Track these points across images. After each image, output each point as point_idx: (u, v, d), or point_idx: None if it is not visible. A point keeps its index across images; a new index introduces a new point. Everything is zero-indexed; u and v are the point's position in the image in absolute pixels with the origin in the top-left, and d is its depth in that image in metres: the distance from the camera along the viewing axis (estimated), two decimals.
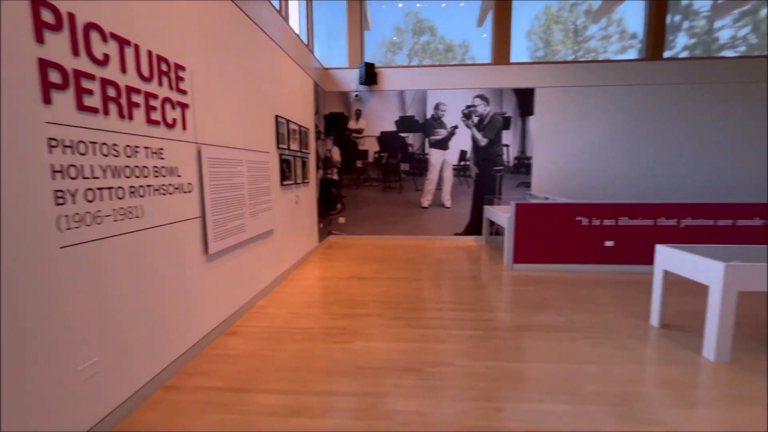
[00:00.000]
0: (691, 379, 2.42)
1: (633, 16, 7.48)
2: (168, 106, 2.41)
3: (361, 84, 6.79)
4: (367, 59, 7.10)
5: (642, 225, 4.86)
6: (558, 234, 4.97)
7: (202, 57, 2.82)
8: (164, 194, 2.36)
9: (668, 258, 3.09)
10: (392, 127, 7.01)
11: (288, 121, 4.75)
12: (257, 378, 2.43)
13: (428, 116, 6.94)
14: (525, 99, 6.78)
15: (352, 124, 7.06)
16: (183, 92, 2.58)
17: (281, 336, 3.05)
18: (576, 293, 4.11)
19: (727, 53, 7.30)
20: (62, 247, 1.68)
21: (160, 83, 2.34)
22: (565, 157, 6.85)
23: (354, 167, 7.15)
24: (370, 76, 6.68)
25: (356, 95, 6.94)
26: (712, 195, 6.67)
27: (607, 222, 4.88)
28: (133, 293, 2.12)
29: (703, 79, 6.50)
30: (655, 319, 3.24)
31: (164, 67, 2.38)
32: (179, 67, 2.53)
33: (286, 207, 4.77)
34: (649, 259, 4.85)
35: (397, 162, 7.09)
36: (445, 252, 6.16)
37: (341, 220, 7.25)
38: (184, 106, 2.58)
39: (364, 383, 2.36)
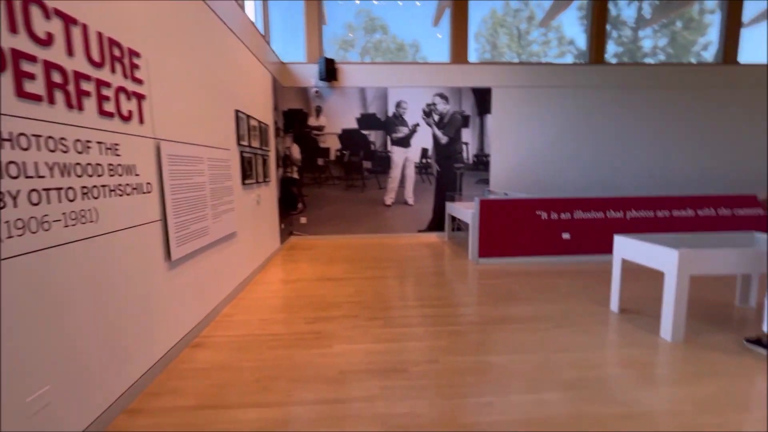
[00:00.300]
0: (654, 359, 2.60)
1: (569, 24, 7.96)
2: (123, 97, 2.15)
3: (320, 80, 6.61)
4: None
5: (594, 218, 5.20)
6: (519, 228, 5.17)
7: (157, 43, 2.56)
8: (121, 195, 2.10)
9: (626, 247, 3.32)
10: (354, 125, 6.91)
11: (248, 116, 4.49)
12: (233, 391, 2.25)
13: (390, 114, 6.93)
14: (483, 98, 6.99)
15: (312, 121, 6.85)
16: (139, 81, 2.31)
17: (254, 344, 2.86)
18: (540, 284, 4.30)
19: (648, 60, 8.03)
20: (3, 259, 1.43)
21: (113, 70, 2.08)
22: (521, 154, 7.16)
23: (315, 165, 6.96)
24: (329, 71, 6.53)
25: (316, 91, 6.75)
26: (648, 189, 7.31)
27: (563, 216, 5.17)
28: (89, 308, 1.86)
29: (639, 84, 7.10)
30: (614, 305, 3.47)
31: (117, 52, 2.11)
32: (134, 53, 2.27)
33: (249, 208, 4.51)
34: (601, 249, 5.20)
35: (360, 160, 7.00)
36: (410, 249, 6.19)
37: (303, 220, 7.03)
38: (140, 97, 2.32)
39: (351, 388, 2.27)
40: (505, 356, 2.65)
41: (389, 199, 7.12)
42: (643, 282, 4.22)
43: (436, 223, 7.21)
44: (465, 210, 5.87)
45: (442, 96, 6.95)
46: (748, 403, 2.12)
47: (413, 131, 7.00)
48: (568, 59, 7.90)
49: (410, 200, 7.15)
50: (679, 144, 7.31)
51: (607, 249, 5.23)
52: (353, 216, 7.09)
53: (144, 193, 2.33)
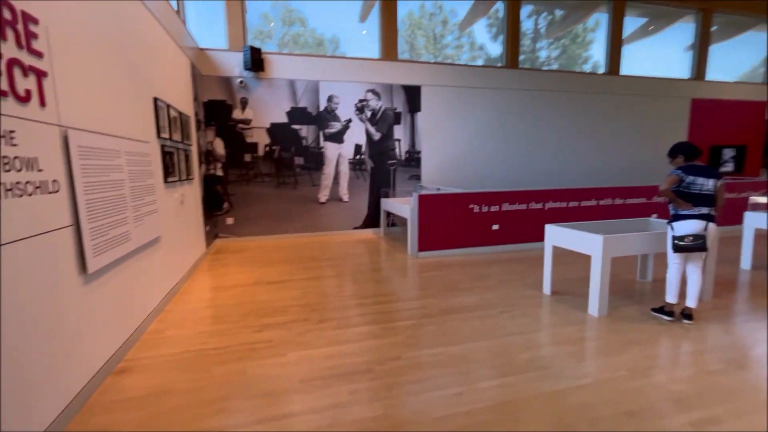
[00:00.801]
0: (588, 334, 2.90)
1: (479, 31, 8.47)
2: (17, 72, 1.72)
3: (246, 69, 6.14)
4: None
5: (518, 209, 5.65)
6: (455, 222, 5.40)
7: (60, 9, 2.10)
8: (20, 195, 1.68)
9: (556, 235, 3.65)
10: (284, 119, 6.56)
11: (168, 105, 3.97)
12: (184, 418, 1.96)
13: (321, 108, 6.72)
14: (413, 95, 7.15)
15: (237, 114, 6.34)
16: (38, 54, 1.87)
17: (197, 361, 2.53)
18: (477, 274, 4.54)
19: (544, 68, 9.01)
20: None
21: (4, 37, 1.65)
22: (449, 151, 7.50)
23: (242, 162, 6.46)
24: (256, 61, 6.09)
25: (241, 82, 6.25)
26: (559, 182, 8.19)
27: (493, 208, 5.53)
28: None
29: (549, 88, 7.90)
30: (547, 288, 3.80)
31: (7, 15, 1.68)
32: (30, 19, 1.82)
33: (172, 209, 4.00)
34: (525, 238, 5.68)
35: (291, 156, 6.68)
36: (348, 246, 6.09)
37: (230, 220, 6.49)
38: (40, 74, 1.87)
39: (318, 397, 2.13)
40: (462, 346, 2.73)
41: (323, 196, 6.93)
42: (564, 266, 4.70)
43: (372, 220, 7.21)
44: (401, 205, 5.96)
45: (374, 92, 6.95)
46: (667, 364, 2.46)
47: (346, 127, 6.88)
48: (479, 63, 8.44)
49: (345, 197, 7.04)
50: (582, 141, 8.32)
51: (531, 237, 5.75)
52: (286, 215, 6.75)
53: (50, 192, 1.90)
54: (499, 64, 7.93)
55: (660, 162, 9.05)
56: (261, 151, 6.52)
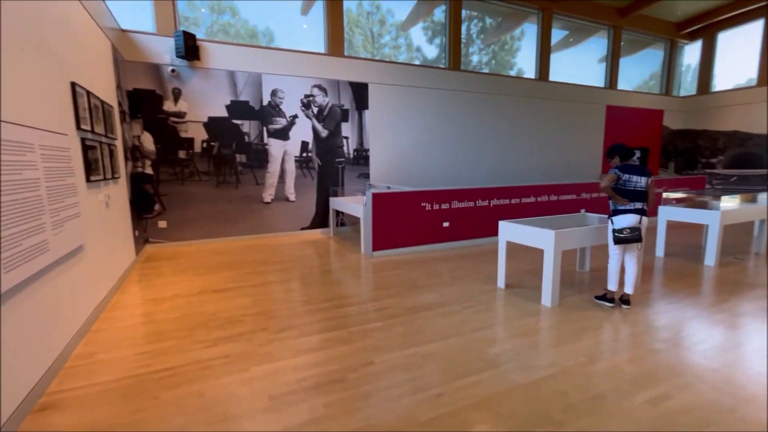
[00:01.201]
0: (545, 324, 3.06)
1: (415, 33, 8.55)
2: None
3: (178, 57, 5.57)
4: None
5: (467, 207, 5.84)
6: (408, 219, 5.42)
7: None
8: None
9: (509, 231, 3.81)
10: (223, 113, 6.08)
11: (88, 92, 3.43)
12: None
13: (265, 103, 6.34)
14: (360, 93, 7.05)
15: (169, 106, 5.73)
16: None
17: (141, 387, 2.20)
18: (434, 270, 4.60)
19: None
20: None
21: None
22: (398, 149, 7.53)
23: (175, 159, 5.86)
24: (190, 49, 5.56)
25: (173, 71, 5.66)
26: (500, 180, 8.64)
27: (444, 206, 5.65)
28: None
29: (490, 90, 8.29)
30: (501, 282, 3.96)
31: None
32: None
33: (97, 212, 3.47)
34: (473, 234, 5.89)
35: (232, 153, 6.22)
36: (297, 248, 5.83)
37: (162, 224, 5.85)
38: None
39: (292, 414, 1.96)
40: (433, 344, 2.71)
41: (268, 195, 6.56)
42: (511, 260, 4.93)
43: (321, 219, 6.99)
44: (353, 204, 5.84)
45: (320, 88, 6.73)
46: (617, 347, 2.67)
47: (292, 123, 6.58)
48: (418, 63, 8.60)
49: (291, 196, 6.74)
50: (518, 141, 8.87)
51: (478, 234, 5.97)
52: (227, 216, 6.26)
53: None
54: (442, 66, 8.14)
55: (584, 162, 10.00)
56: (197, 148, 5.97)
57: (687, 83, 11.83)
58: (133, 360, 2.52)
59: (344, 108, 6.95)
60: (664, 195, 5.57)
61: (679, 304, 3.44)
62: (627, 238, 3.16)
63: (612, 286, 3.39)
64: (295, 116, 6.59)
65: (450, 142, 8.07)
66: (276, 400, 2.07)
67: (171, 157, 5.82)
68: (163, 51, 5.58)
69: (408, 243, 5.47)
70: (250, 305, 3.50)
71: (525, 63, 9.29)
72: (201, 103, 5.91)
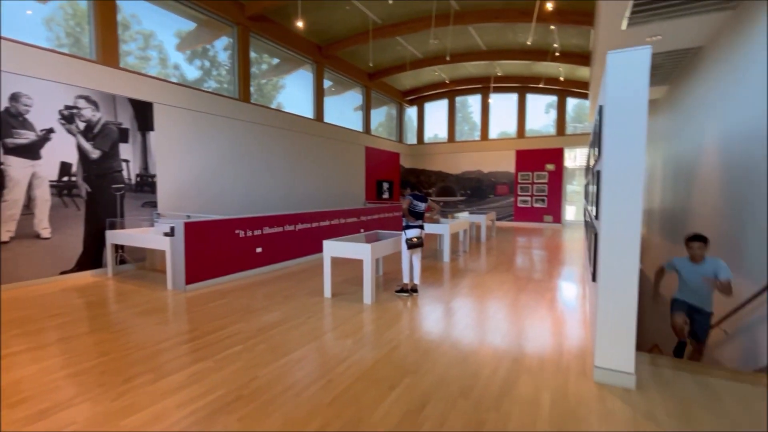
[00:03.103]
0: (374, 316, 3.97)
1: (170, 47, 8.20)
2: None
3: None
4: None
5: (276, 232, 6.26)
6: (223, 248, 5.34)
7: None
8: None
9: (332, 248, 4.59)
10: None
11: None
12: None
13: (1, 109, 4.75)
14: (144, 112, 6.29)
15: None
16: None
17: None
18: (262, 294, 4.81)
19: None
20: None
21: None
22: (189, 175, 7.06)
23: None
24: None
25: None
26: (288, 206, 9.34)
27: (256, 232, 5.87)
28: None
29: (271, 123, 8.97)
30: (328, 292, 4.66)
31: None
32: None
33: None
34: (284, 257, 6.35)
35: None
36: (69, 296, 4.61)
37: None
38: None
39: None
40: (300, 350, 3.11)
41: (6, 233, 4.83)
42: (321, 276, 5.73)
43: (90, 259, 5.67)
44: (144, 236, 5.22)
45: (88, 100, 5.60)
46: (424, 321, 3.87)
47: (45, 138, 5.16)
48: (173, 80, 8.32)
49: (45, 232, 5.19)
50: (303, 172, 9.89)
51: (288, 256, 6.48)
52: None
53: None
54: (233, 96, 8.27)
55: (354, 192, 12.07)
56: None
57: (412, 135, 16.32)
58: None
59: (123, 127, 6.01)
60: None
61: (443, 287, 5.14)
62: (416, 244, 4.55)
63: (406, 279, 4.71)
64: (50, 130, 5.22)
65: (244, 169, 8.21)
66: (187, 427, 2.02)
67: None
68: None
69: (224, 272, 5.36)
70: (57, 368, 2.78)
71: (286, 99, 10.24)
72: None
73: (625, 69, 2.42)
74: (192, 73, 7.83)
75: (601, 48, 5.20)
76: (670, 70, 5.96)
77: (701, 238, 3.24)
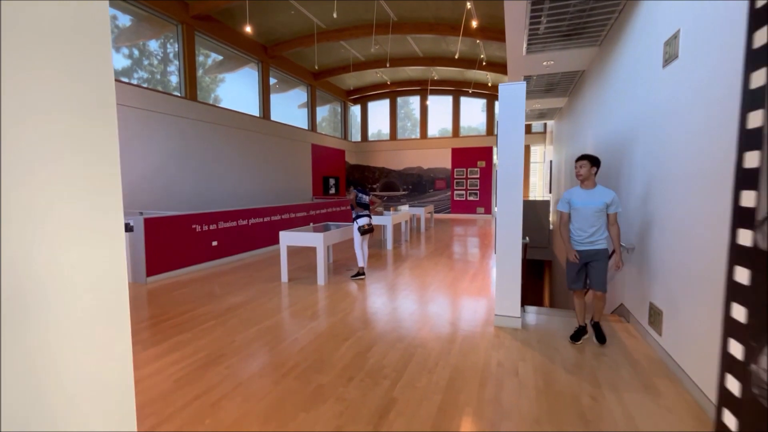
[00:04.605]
0: (327, 294, 4.65)
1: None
2: None
3: None
4: None
5: (230, 226, 6.66)
6: (181, 242, 5.67)
7: None
8: None
9: (288, 238, 5.18)
10: None
11: None
12: None
13: None
14: None
15: None
16: None
17: None
18: (222, 282, 5.26)
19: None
20: None
21: None
22: (137, 173, 7.14)
23: None
24: None
25: None
26: (237, 202, 9.59)
27: (212, 226, 6.23)
28: None
29: (218, 122, 9.17)
30: (284, 277, 5.25)
31: None
32: None
33: None
34: (239, 249, 6.76)
35: None
36: None
37: None
38: None
39: (204, 379, 2.57)
40: (268, 321, 3.72)
41: None
42: (278, 265, 6.26)
43: None
44: None
45: None
46: (372, 298, 4.63)
47: None
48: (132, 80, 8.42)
49: None
50: (250, 168, 10.17)
51: (242, 248, 6.90)
52: None
53: None
54: (178, 94, 8.36)
55: (301, 187, 12.48)
56: None
57: (357, 131, 16.99)
58: None
59: None
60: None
61: (387, 269, 5.95)
62: (367, 230, 5.29)
63: (361, 263, 5.44)
64: None
65: (192, 166, 8.37)
66: (179, 382, 2.57)
67: None
68: None
69: (183, 264, 5.69)
70: None
71: (232, 97, 10.37)
72: None
73: (510, 96, 3.35)
74: (119, 62, 7.62)
75: (511, 66, 6.30)
76: (567, 86, 7.28)
77: (587, 157, 3.03)
